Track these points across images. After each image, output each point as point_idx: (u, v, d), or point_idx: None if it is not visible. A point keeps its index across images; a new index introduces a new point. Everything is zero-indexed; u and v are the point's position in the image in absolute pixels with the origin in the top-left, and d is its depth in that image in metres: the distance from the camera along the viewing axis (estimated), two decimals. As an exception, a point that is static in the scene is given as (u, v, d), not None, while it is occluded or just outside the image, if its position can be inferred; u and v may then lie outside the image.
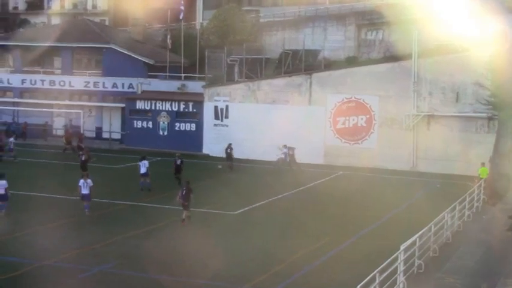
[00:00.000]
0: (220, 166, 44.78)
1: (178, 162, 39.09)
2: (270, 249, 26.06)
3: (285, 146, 45.63)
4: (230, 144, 46.51)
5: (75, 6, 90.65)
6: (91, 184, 30.94)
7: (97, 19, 79.43)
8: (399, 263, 18.61)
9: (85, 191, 30.85)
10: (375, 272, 16.98)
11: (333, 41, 55.73)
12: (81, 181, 31.06)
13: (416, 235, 20.51)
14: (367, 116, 48.98)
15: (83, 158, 40.57)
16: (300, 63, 52.00)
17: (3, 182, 30.27)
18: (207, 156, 50.75)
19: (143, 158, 37.34)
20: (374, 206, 34.35)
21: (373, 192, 38.34)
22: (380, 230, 29.73)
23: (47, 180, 38.48)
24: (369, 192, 38.30)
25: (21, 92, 60.33)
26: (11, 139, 48.21)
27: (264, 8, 65.74)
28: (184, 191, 29.56)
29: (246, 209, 33.31)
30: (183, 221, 29.42)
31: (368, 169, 45.70)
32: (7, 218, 29.72)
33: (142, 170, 36.87)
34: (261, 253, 25.51)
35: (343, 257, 25.51)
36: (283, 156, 45.59)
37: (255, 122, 50.70)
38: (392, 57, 49.66)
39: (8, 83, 60.54)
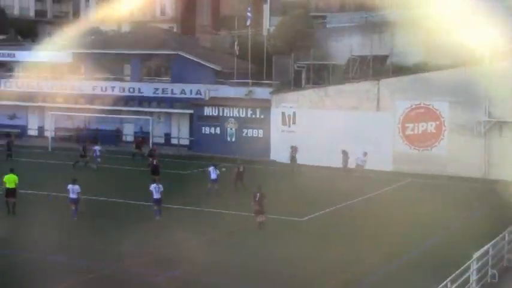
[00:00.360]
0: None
1: (241, 169, 39.28)
2: (337, 256, 25.89)
3: (365, 154, 45.11)
4: (294, 147, 46.62)
5: (144, 14, 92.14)
6: (162, 189, 31.29)
7: (165, 26, 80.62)
8: (472, 272, 18.29)
9: (156, 195, 31.19)
10: (447, 281, 16.72)
11: (401, 46, 55.08)
12: (153, 185, 31.44)
13: (490, 244, 20.13)
14: (437, 122, 48.28)
15: (155, 163, 41.08)
16: (368, 69, 51.64)
17: (76, 187, 30.94)
18: (274, 162, 50.79)
19: (214, 165, 37.63)
20: (444, 214, 33.76)
21: (443, 199, 37.68)
22: (451, 239, 29.22)
23: (118, 185, 39.17)
24: (438, 199, 37.64)
25: (92, 99, 61.54)
26: (97, 147, 48.05)
27: (331, 14, 65.50)
28: (258, 196, 29.66)
29: (313, 215, 33.19)
30: (262, 224, 29.57)
31: (438, 176, 45.01)
32: (83, 223, 30.30)
33: (213, 176, 37.15)
34: (328, 260, 25.37)
35: (412, 265, 25.14)
36: (361, 163, 44.98)
37: (322, 128, 50.51)
38: (462, 62, 48.79)
39: (80, 90, 61.83)
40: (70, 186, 30.98)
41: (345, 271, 23.98)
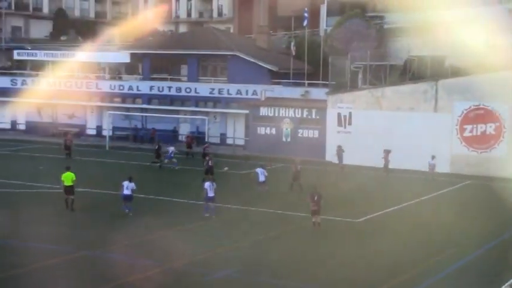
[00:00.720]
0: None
1: (298, 168, 39.19)
2: (393, 258, 25.58)
3: (433, 157, 44.53)
4: (340, 147, 46.41)
5: (201, 14, 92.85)
6: (215, 186, 31.58)
7: (222, 27, 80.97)
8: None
9: (211, 193, 31.46)
10: (506, 285, 16.35)
11: (459, 47, 54.14)
12: (207, 183, 31.69)
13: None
14: (497, 124, 47.38)
15: (210, 163, 41.24)
16: (426, 70, 50.95)
17: (132, 184, 31.46)
18: (330, 163, 50.50)
19: (261, 166, 37.52)
20: (504, 217, 33.10)
21: (502, 202, 36.88)
22: (509, 244, 28.58)
23: (173, 183, 39.50)
24: (498, 202, 36.88)
25: (149, 99, 62.21)
26: (171, 147, 48.10)
27: (388, 14, 64.79)
28: (316, 197, 29.58)
29: (369, 216, 32.89)
30: (318, 225, 29.51)
31: (497, 178, 44.09)
32: (138, 220, 30.62)
33: (261, 179, 37.05)
34: (384, 262, 25.09)
35: (469, 269, 24.71)
36: (431, 167, 44.35)
37: (378, 129, 50.05)
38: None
39: (138, 89, 62.56)
40: (125, 183, 31.53)
41: (399, 274, 23.67)
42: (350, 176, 44.94)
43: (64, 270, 23.17)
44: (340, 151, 47.45)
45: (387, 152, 46.11)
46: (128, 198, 31.48)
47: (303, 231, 29.39)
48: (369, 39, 56.91)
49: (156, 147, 48.04)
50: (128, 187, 31.41)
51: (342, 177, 44.57)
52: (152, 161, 47.44)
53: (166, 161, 47.09)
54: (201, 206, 32.33)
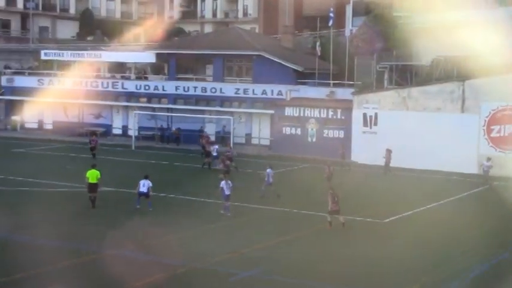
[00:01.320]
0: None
1: (331, 169, 39.04)
2: (418, 260, 25.37)
3: (488, 159, 44.17)
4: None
5: (226, 14, 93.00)
6: (231, 185, 31.87)
7: (247, 27, 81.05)
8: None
9: (228, 192, 31.79)
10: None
11: (486, 47, 53.64)
12: (223, 182, 32.06)
13: None
14: (524, 125, 46.96)
15: (227, 163, 41.33)
16: (453, 70, 50.53)
17: (148, 182, 32.21)
18: (355, 164, 50.29)
19: (271, 167, 37.13)
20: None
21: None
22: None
23: (192, 183, 39.60)
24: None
25: (175, 99, 62.39)
26: (216, 146, 47.94)
27: (415, 14, 64.32)
28: (336, 197, 29.58)
29: (395, 217, 32.69)
30: (342, 225, 29.49)
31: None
32: (161, 219, 30.72)
33: (269, 180, 36.25)
34: (408, 264, 24.90)
35: (496, 273, 24.43)
36: (485, 170, 43.89)
37: (404, 130, 49.77)
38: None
39: (163, 89, 62.77)
40: (142, 181, 32.20)
41: (428, 274, 23.49)
42: (377, 176, 44.67)
43: (89, 269, 23.26)
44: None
45: (389, 152, 45.82)
46: (143, 195, 32.14)
47: (329, 231, 29.24)
48: (395, 39, 56.48)
49: (202, 147, 47.85)
50: (144, 185, 32.13)
51: (373, 178, 44.30)
52: (203, 163, 46.48)
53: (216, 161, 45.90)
54: (219, 204, 32.45)
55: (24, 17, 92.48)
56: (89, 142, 50.84)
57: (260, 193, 35.98)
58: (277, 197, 35.55)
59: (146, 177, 32.48)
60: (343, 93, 55.08)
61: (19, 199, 34.87)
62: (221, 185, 32.15)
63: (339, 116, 53.77)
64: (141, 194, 32.26)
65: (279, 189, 36.40)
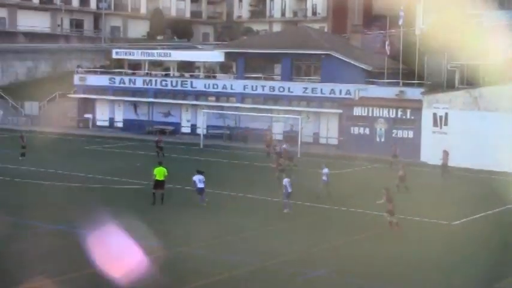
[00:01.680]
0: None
1: (401, 173, 38.37)
2: (489, 264, 24.83)
3: None
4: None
5: (295, 13, 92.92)
6: (286, 183, 31.95)
7: (316, 26, 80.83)
8: None
9: (290, 189, 31.90)
10: None
11: None
12: (286, 180, 32.04)
13: None
14: None
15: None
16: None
17: (202, 177, 32.63)
18: (425, 164, 49.56)
19: (326, 165, 36.57)
20: None
21: None
22: None
23: (259, 182, 39.67)
24: None
25: (243, 98, 62.65)
26: (284, 146, 47.52)
27: (488, 12, 63.05)
28: (390, 197, 29.39)
29: (464, 220, 32.07)
30: (396, 225, 29.08)
31: None
32: (225, 218, 30.89)
33: (324, 179, 35.87)
34: (484, 268, 24.40)
35: None
36: None
37: (476, 130, 48.80)
38: None
39: (231, 88, 63.12)
40: (197, 177, 32.63)
41: (498, 279, 22.99)
42: (446, 177, 43.91)
43: (158, 266, 23.49)
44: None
45: (446, 153, 44.78)
46: (202, 191, 32.61)
47: (399, 233, 28.86)
48: (467, 37, 55.46)
49: (273, 147, 47.94)
50: (200, 180, 32.53)
51: (439, 179, 43.61)
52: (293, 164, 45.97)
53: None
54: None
55: (97, 17, 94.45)
56: (156, 143, 50.93)
57: (316, 193, 35.50)
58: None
59: (200, 173, 32.83)
60: (412, 92, 54.37)
61: (89, 195, 35.57)
62: (284, 183, 32.18)
63: (408, 116, 53.09)
64: (200, 190, 32.59)
65: (347, 189, 36.15)
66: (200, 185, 32.56)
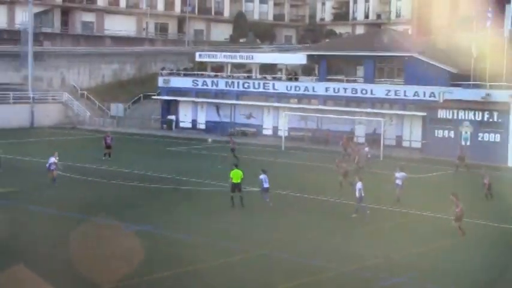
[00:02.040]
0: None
1: (486, 181, 37.03)
2: None
3: None
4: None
5: (378, 16, 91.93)
6: (360, 187, 31.15)
7: (400, 28, 79.82)
8: None
9: (358, 194, 31.31)
10: None
11: None
12: (359, 184, 31.30)
13: None
14: None
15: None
16: None
17: (266, 176, 32.79)
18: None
19: (400, 168, 35.60)
20: None
21: None
22: None
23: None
24: None
25: (325, 100, 62.30)
26: (366, 149, 47.36)
27: None
28: (458, 203, 28.72)
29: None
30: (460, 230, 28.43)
31: None
32: (300, 220, 30.74)
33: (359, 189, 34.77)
34: None
35: None
36: None
37: None
38: None
39: (313, 91, 62.87)
40: (263, 177, 32.77)
41: None
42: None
43: (240, 269, 23.49)
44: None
45: (463, 148, 43.59)
46: (267, 190, 32.79)
47: (486, 239, 28.09)
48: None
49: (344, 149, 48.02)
50: (265, 180, 32.69)
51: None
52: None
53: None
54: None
55: (181, 21, 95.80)
56: (230, 145, 51.02)
57: (396, 197, 34.68)
58: (397, 201, 34.33)
59: (265, 172, 33.02)
60: (500, 95, 52.88)
61: (173, 197, 35.96)
62: (358, 187, 31.25)
63: (495, 119, 51.70)
64: (265, 189, 32.79)
65: (431, 193, 35.33)
66: (266, 185, 32.81)
